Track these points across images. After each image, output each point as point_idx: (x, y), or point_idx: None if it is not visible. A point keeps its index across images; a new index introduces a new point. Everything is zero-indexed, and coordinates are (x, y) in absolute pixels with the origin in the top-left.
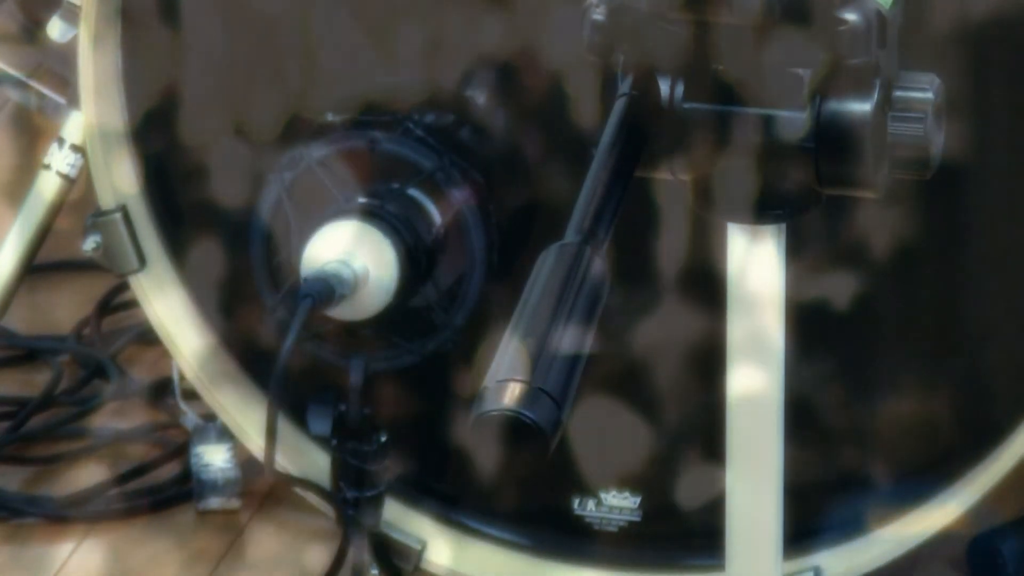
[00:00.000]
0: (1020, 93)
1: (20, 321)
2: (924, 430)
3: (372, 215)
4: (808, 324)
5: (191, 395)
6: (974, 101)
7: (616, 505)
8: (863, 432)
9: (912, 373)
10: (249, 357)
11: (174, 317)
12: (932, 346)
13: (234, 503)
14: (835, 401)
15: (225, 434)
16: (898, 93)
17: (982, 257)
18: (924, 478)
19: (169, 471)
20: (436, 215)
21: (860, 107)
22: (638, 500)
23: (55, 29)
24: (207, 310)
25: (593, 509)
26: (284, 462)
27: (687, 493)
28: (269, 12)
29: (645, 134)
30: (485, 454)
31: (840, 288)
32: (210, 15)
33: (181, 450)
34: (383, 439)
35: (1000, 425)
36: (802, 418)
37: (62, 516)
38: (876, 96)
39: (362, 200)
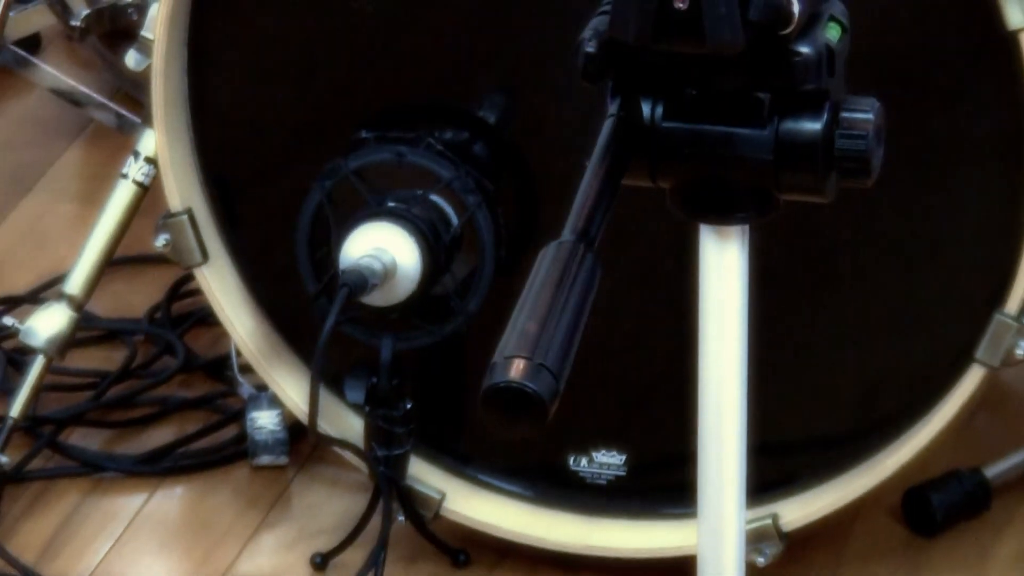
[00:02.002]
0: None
1: (101, 306)
2: (867, 397)
3: (399, 217)
4: (766, 306)
5: (246, 369)
6: None
7: (605, 462)
8: (816, 399)
9: (857, 345)
10: (295, 337)
11: (232, 303)
12: (875, 322)
13: (282, 460)
14: (793, 373)
15: (275, 402)
16: (844, 114)
17: (912, 245)
18: (867, 439)
19: (227, 433)
20: (453, 217)
21: (812, 126)
22: (623, 458)
23: (131, 59)
24: (260, 297)
25: (585, 465)
26: (325, 425)
27: (665, 453)
28: (310, 46)
29: (630, 148)
30: (494, 419)
31: (793, 270)
32: (261, 49)
33: (237, 415)
34: (408, 406)
35: (931, 394)
36: (764, 387)
37: (137, 471)
38: (826, 117)
39: (391, 204)
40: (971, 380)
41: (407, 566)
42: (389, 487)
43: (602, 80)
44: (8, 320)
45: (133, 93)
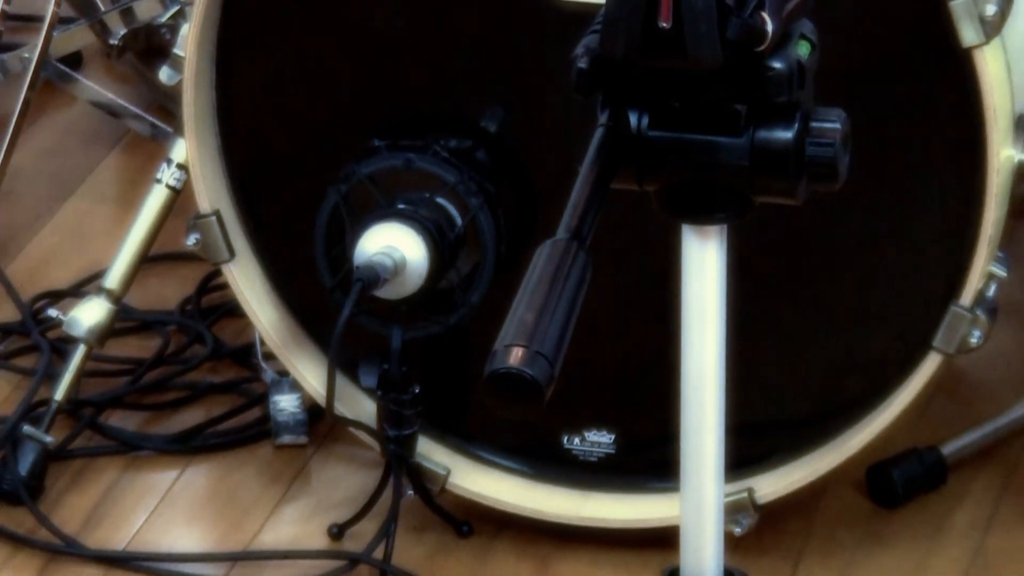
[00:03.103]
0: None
1: (137, 299)
2: (835, 382)
3: (408, 218)
4: (744, 298)
5: (269, 356)
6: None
7: (596, 441)
8: (789, 383)
9: (826, 335)
10: (314, 327)
11: (256, 296)
12: (842, 313)
13: (302, 439)
14: (767, 361)
15: (295, 386)
16: (813, 124)
17: (875, 243)
18: (834, 419)
19: (252, 415)
20: (457, 218)
21: (784, 135)
22: (613, 437)
23: (164, 75)
24: (281, 291)
25: (578, 444)
26: (341, 408)
27: (650, 432)
28: (327, 62)
29: (619, 155)
30: (496, 401)
31: (769, 266)
32: (282, 65)
33: (261, 399)
34: (417, 390)
35: (892, 379)
36: (741, 372)
37: (169, 450)
38: (797, 126)
39: (400, 206)
40: (929, 366)
41: (416, 536)
42: (399, 464)
43: (593, 93)
44: (53, 312)
45: (166, 105)
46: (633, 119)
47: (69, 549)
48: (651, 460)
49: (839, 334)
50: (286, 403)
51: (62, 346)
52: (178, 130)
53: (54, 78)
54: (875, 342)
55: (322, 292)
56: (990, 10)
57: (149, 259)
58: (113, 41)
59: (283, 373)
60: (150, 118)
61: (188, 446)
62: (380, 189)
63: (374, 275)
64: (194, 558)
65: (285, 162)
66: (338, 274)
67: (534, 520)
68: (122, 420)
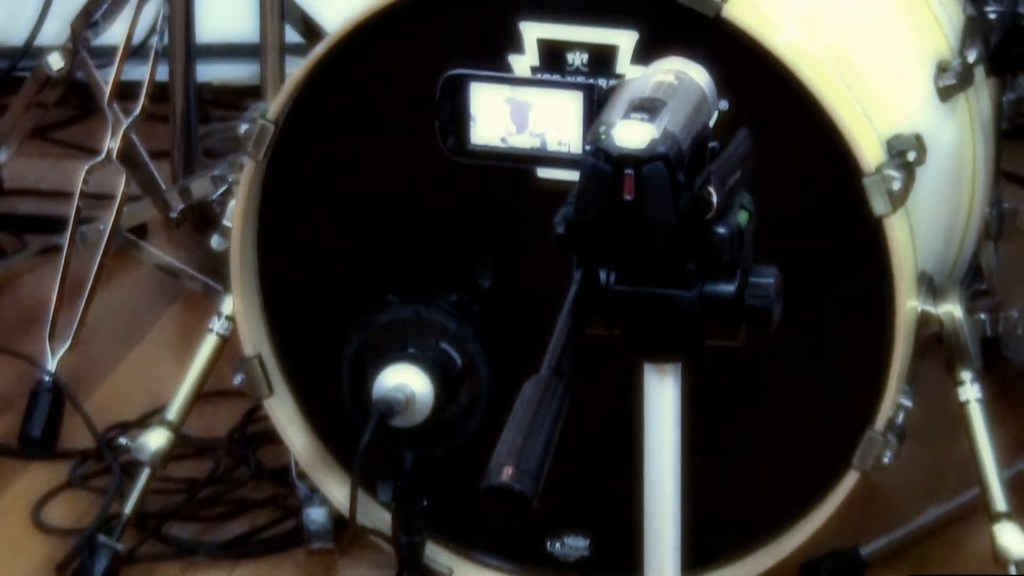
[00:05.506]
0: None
1: (193, 428)
2: (773, 494)
3: (417, 359)
4: (699, 426)
5: (302, 476)
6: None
7: (573, 544)
8: (735, 496)
9: (765, 456)
10: (339, 451)
11: (292, 425)
12: (778, 438)
13: (330, 545)
14: (716, 477)
15: (324, 500)
16: (752, 279)
17: (804, 379)
18: (772, 526)
19: (288, 525)
20: (458, 360)
21: (727, 288)
22: (587, 541)
23: (215, 242)
24: (313, 421)
25: (559, 548)
26: (362, 519)
27: (619, 537)
28: (349, 234)
29: (591, 306)
30: (491, 509)
31: (718, 400)
32: (312, 235)
33: (296, 511)
34: (425, 503)
35: (819, 492)
36: (695, 487)
37: (220, 554)
38: (738, 281)
39: (411, 350)
40: (849, 481)
41: None
42: (411, 565)
43: (569, 254)
44: (123, 440)
45: (217, 268)
46: (602, 276)
47: None
48: (620, 561)
49: (775, 455)
50: (316, 515)
51: (131, 468)
52: (226, 288)
53: (124, 245)
54: (804, 461)
55: (346, 421)
56: (896, 185)
57: (203, 395)
58: (173, 215)
59: (314, 490)
60: (203, 278)
61: (235, 552)
62: (394, 336)
63: (389, 407)
64: None
65: (316, 313)
66: (360, 407)
67: None
68: (180, 530)
